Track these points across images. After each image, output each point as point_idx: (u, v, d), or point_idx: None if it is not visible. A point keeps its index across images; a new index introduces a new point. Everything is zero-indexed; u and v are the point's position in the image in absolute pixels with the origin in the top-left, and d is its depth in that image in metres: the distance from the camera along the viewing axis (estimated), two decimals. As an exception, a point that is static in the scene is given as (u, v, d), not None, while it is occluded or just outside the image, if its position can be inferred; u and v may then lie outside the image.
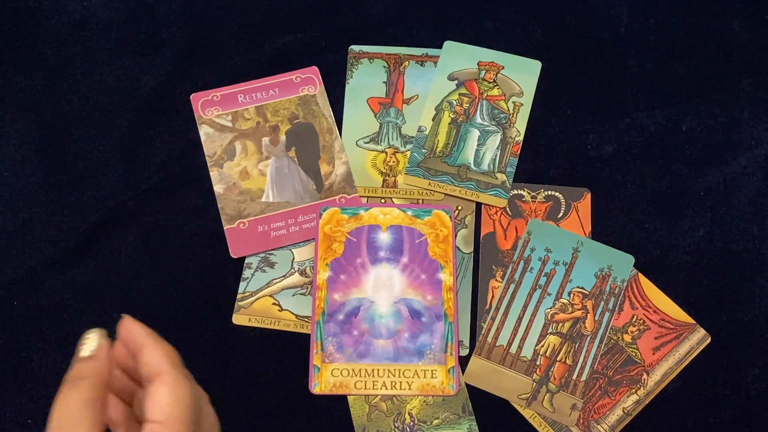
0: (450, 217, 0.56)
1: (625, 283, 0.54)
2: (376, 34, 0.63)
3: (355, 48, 0.62)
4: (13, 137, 0.59)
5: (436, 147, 0.59)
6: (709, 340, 0.53)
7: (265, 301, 0.54)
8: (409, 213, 0.56)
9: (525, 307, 0.54)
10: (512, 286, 0.54)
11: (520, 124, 0.59)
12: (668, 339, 0.53)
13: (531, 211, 0.57)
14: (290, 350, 0.53)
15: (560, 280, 0.54)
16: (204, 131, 0.59)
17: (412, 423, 0.51)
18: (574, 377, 0.52)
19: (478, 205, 0.57)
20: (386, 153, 0.59)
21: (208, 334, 0.53)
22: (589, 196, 0.57)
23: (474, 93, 0.60)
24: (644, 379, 0.52)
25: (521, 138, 0.59)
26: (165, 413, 0.31)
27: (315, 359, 0.52)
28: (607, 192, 0.57)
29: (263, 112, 0.60)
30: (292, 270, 0.55)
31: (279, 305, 0.54)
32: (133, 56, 0.62)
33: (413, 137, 0.59)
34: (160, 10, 0.64)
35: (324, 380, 0.51)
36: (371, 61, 0.62)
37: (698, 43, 0.62)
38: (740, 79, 0.61)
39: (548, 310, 0.54)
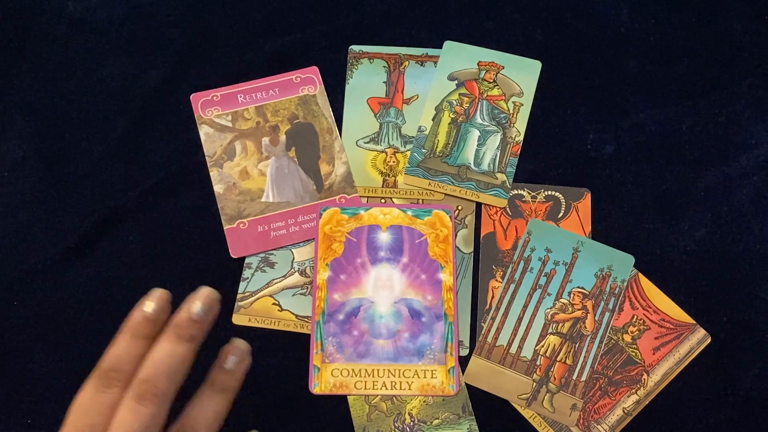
0: (450, 217, 0.56)
1: (625, 283, 0.54)
2: (376, 34, 0.63)
3: (355, 48, 0.62)
4: (13, 137, 0.59)
5: (436, 147, 0.59)
6: (709, 340, 0.53)
7: (265, 301, 0.54)
8: (409, 213, 0.56)
9: (525, 307, 0.54)
10: (512, 286, 0.54)
11: (520, 124, 0.59)
12: (668, 339, 0.53)
13: (531, 211, 0.57)
14: (290, 350, 0.53)
15: (560, 280, 0.54)
16: (204, 131, 0.59)
17: (412, 423, 0.51)
18: (574, 377, 0.52)
19: (478, 205, 0.57)
20: (386, 153, 0.59)
21: (208, 334, 0.53)
22: (589, 196, 0.57)
23: (474, 93, 0.60)
24: (644, 379, 0.52)
25: (521, 138, 0.59)
26: None
27: (315, 359, 0.52)
28: (607, 192, 0.57)
29: (263, 112, 0.60)
30: (292, 270, 0.55)
31: (279, 305, 0.54)
32: (133, 56, 0.62)
33: (413, 137, 0.59)
34: (160, 10, 0.64)
35: (324, 380, 0.51)
36: (371, 61, 0.62)
37: (698, 43, 0.62)
38: (740, 79, 0.61)
39: (548, 310, 0.54)
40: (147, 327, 0.34)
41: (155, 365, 0.32)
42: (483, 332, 0.53)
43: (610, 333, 0.53)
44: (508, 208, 0.57)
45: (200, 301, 0.34)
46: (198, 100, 0.60)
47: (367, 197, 0.58)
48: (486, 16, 0.63)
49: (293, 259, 0.56)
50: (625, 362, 0.52)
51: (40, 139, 0.59)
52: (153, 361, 0.33)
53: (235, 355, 0.35)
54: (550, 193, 0.57)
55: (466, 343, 0.53)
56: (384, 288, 0.54)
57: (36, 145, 0.59)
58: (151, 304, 0.34)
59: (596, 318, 0.53)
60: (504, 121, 0.59)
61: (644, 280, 0.54)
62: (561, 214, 0.57)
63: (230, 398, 0.35)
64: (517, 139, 0.59)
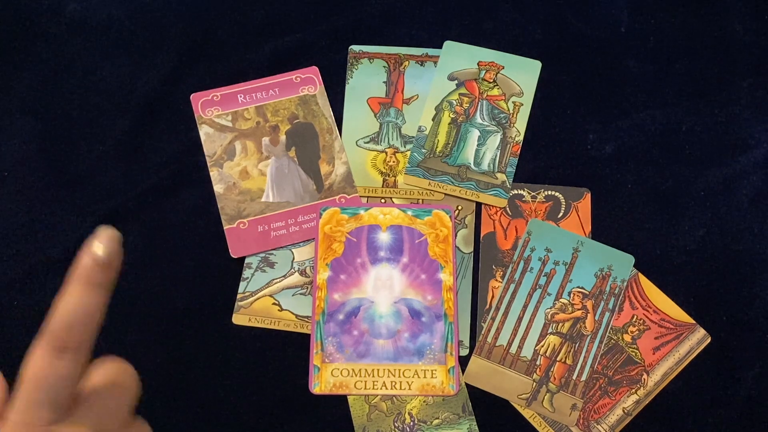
0: (450, 217, 0.56)
1: (625, 283, 0.54)
2: (376, 34, 0.63)
3: (355, 48, 0.62)
4: (14, 137, 0.59)
5: (436, 147, 0.59)
6: (709, 340, 0.53)
7: (265, 301, 0.54)
8: (409, 213, 0.56)
9: (525, 307, 0.54)
10: (512, 286, 0.54)
11: (520, 124, 0.59)
12: (668, 339, 0.53)
13: (531, 211, 0.57)
14: (290, 350, 0.53)
15: (560, 280, 0.54)
16: (204, 131, 0.59)
17: (412, 423, 0.51)
18: (574, 377, 0.52)
19: (478, 205, 0.57)
20: (386, 153, 0.59)
21: (208, 334, 0.53)
22: (589, 196, 0.57)
23: (474, 93, 0.60)
24: (644, 379, 0.52)
25: (521, 138, 0.59)
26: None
27: (315, 359, 0.52)
28: (607, 192, 0.57)
29: (263, 112, 0.60)
30: (292, 270, 0.55)
31: (279, 305, 0.54)
32: (133, 56, 0.62)
33: (413, 137, 0.59)
34: (160, 10, 0.64)
35: (324, 380, 0.51)
36: (371, 61, 0.62)
37: (698, 43, 0.62)
38: (740, 79, 0.61)
39: (548, 310, 0.54)
40: (101, 274, 0.29)
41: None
42: (483, 332, 0.53)
43: (610, 333, 0.53)
44: (508, 208, 0.57)
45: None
46: (198, 100, 0.60)
47: (367, 197, 0.58)
48: (486, 16, 0.63)
49: (293, 259, 0.56)
50: (625, 362, 0.52)
51: (41, 138, 0.59)
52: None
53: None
54: (550, 193, 0.57)
55: (466, 343, 0.53)
56: (384, 288, 0.54)
57: (36, 144, 0.59)
58: (101, 245, 0.29)
59: (596, 318, 0.53)
60: (504, 121, 0.59)
61: (644, 280, 0.54)
62: (561, 214, 0.57)
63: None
64: (517, 139, 0.59)
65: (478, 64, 0.61)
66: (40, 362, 0.29)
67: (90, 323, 0.29)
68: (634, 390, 0.52)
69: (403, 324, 0.53)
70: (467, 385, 0.52)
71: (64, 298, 0.30)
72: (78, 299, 0.29)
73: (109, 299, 0.30)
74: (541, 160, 0.58)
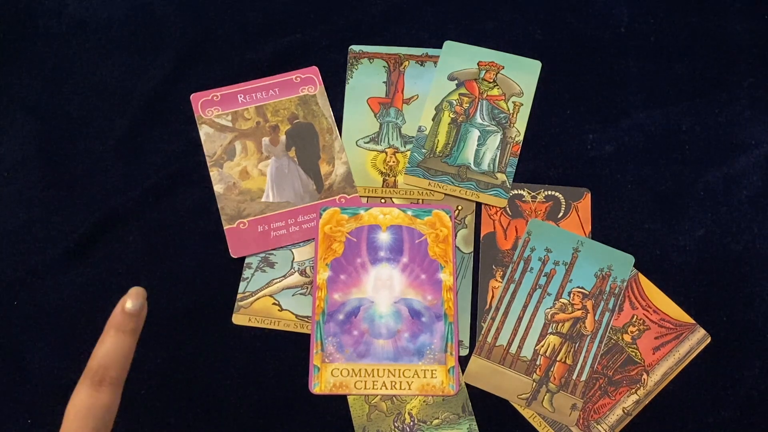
0: (450, 217, 0.56)
1: (625, 283, 0.54)
2: (376, 34, 0.63)
3: (355, 48, 0.62)
4: (14, 137, 0.59)
5: (436, 147, 0.59)
6: (709, 340, 0.53)
7: (265, 301, 0.54)
8: (409, 213, 0.56)
9: (525, 307, 0.54)
10: (512, 286, 0.54)
11: (520, 124, 0.59)
12: (668, 339, 0.53)
13: (531, 211, 0.57)
14: (290, 350, 0.53)
15: (560, 280, 0.54)
16: (204, 131, 0.59)
17: (412, 423, 0.51)
18: (574, 377, 0.52)
19: (478, 205, 0.57)
20: (386, 153, 0.59)
21: (208, 334, 0.53)
22: (589, 196, 0.57)
23: (474, 93, 0.60)
24: (644, 379, 0.52)
25: (521, 138, 0.59)
26: None
27: (315, 359, 0.52)
28: (607, 192, 0.57)
29: (263, 112, 0.60)
30: (292, 270, 0.55)
31: (279, 305, 0.54)
32: (133, 56, 0.62)
33: (413, 137, 0.59)
34: (160, 10, 0.64)
35: (324, 380, 0.51)
36: (371, 61, 0.62)
37: (698, 43, 0.62)
38: (740, 79, 0.61)
39: (548, 310, 0.54)
40: (130, 322, 0.37)
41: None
42: (483, 332, 0.53)
43: (610, 333, 0.53)
44: (508, 208, 0.57)
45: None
46: (198, 100, 0.60)
47: (367, 197, 0.58)
48: (486, 16, 0.63)
49: (293, 259, 0.56)
50: (625, 362, 0.52)
51: (40, 139, 0.59)
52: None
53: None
54: (550, 193, 0.57)
55: (466, 343, 0.53)
56: (384, 288, 0.54)
57: (36, 145, 0.59)
58: (131, 301, 0.37)
59: (596, 318, 0.53)
60: (504, 121, 0.59)
61: (644, 280, 0.54)
62: (561, 214, 0.57)
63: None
64: (517, 139, 0.59)
65: (478, 64, 0.61)
66: (82, 395, 0.35)
67: (123, 361, 0.37)
68: (634, 390, 0.52)
69: (403, 324, 0.53)
70: (467, 385, 0.52)
71: (102, 342, 0.37)
72: (112, 342, 0.36)
73: (136, 342, 0.37)
74: (541, 160, 0.58)
